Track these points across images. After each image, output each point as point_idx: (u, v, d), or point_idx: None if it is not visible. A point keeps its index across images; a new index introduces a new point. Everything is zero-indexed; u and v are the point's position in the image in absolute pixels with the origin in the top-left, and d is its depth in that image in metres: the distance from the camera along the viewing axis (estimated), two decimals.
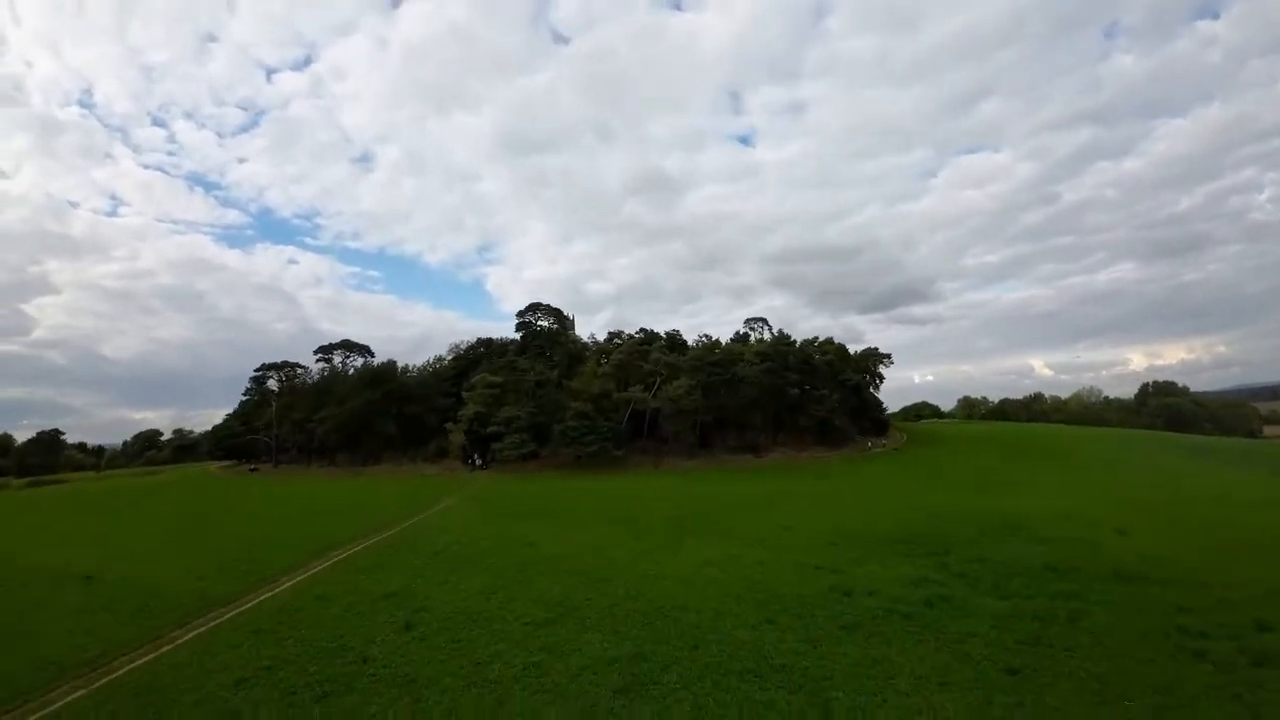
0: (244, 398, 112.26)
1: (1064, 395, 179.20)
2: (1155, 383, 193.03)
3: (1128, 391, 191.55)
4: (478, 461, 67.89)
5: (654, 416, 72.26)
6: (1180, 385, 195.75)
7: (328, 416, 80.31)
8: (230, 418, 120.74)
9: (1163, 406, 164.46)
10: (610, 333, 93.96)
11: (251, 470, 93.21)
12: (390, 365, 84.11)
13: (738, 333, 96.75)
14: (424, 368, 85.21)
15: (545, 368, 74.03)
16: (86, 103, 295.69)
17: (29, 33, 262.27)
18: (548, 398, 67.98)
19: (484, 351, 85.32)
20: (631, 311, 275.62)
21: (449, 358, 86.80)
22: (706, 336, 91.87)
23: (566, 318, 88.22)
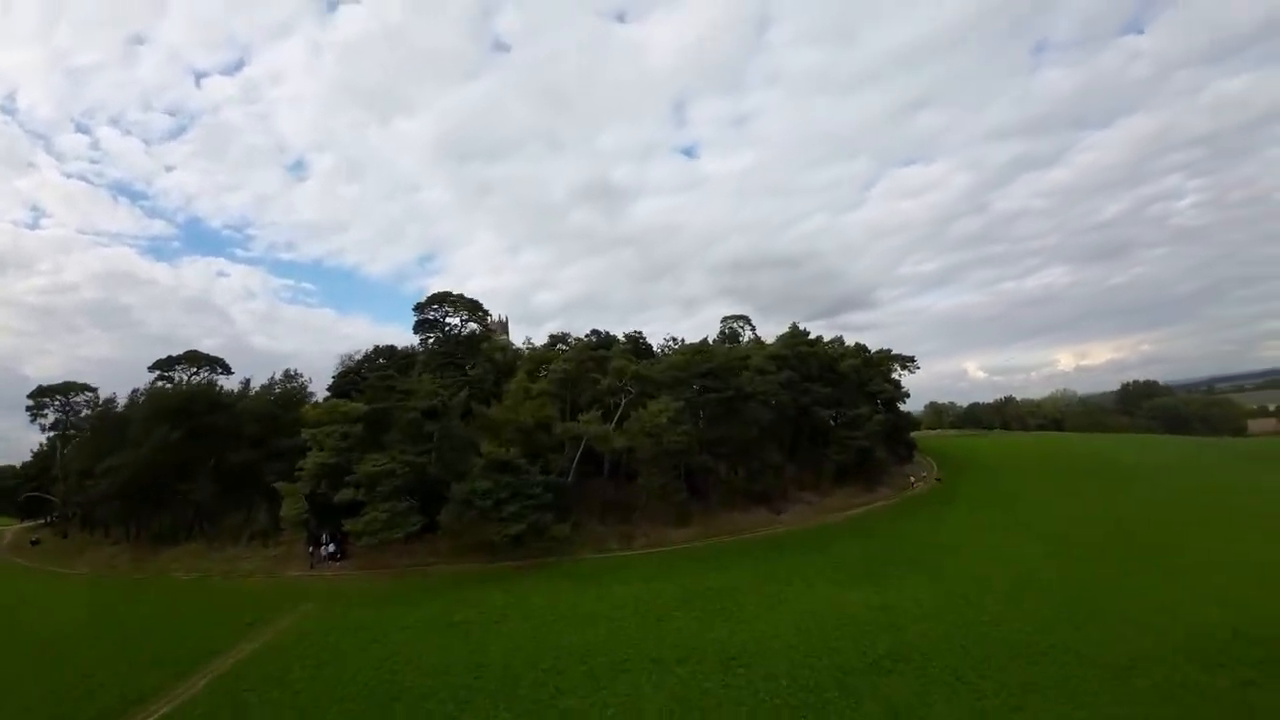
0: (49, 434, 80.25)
1: (996, 397, 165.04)
2: (1135, 382, 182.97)
3: (1043, 391, 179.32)
4: (329, 549, 40.84)
5: (618, 460, 47.13)
6: (1162, 384, 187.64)
7: (111, 469, 51.04)
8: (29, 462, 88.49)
9: (1157, 408, 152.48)
10: (552, 336, 68.04)
11: (33, 543, 66.50)
12: (208, 387, 54.93)
13: (721, 334, 72.56)
14: (270, 390, 55.96)
15: (451, 387, 47.35)
16: (8, 109, 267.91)
17: None
18: (450, 436, 41.62)
19: (383, 365, 57.76)
20: (580, 322, 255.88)
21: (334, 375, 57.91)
22: (677, 341, 67.05)
23: (490, 316, 61.58)
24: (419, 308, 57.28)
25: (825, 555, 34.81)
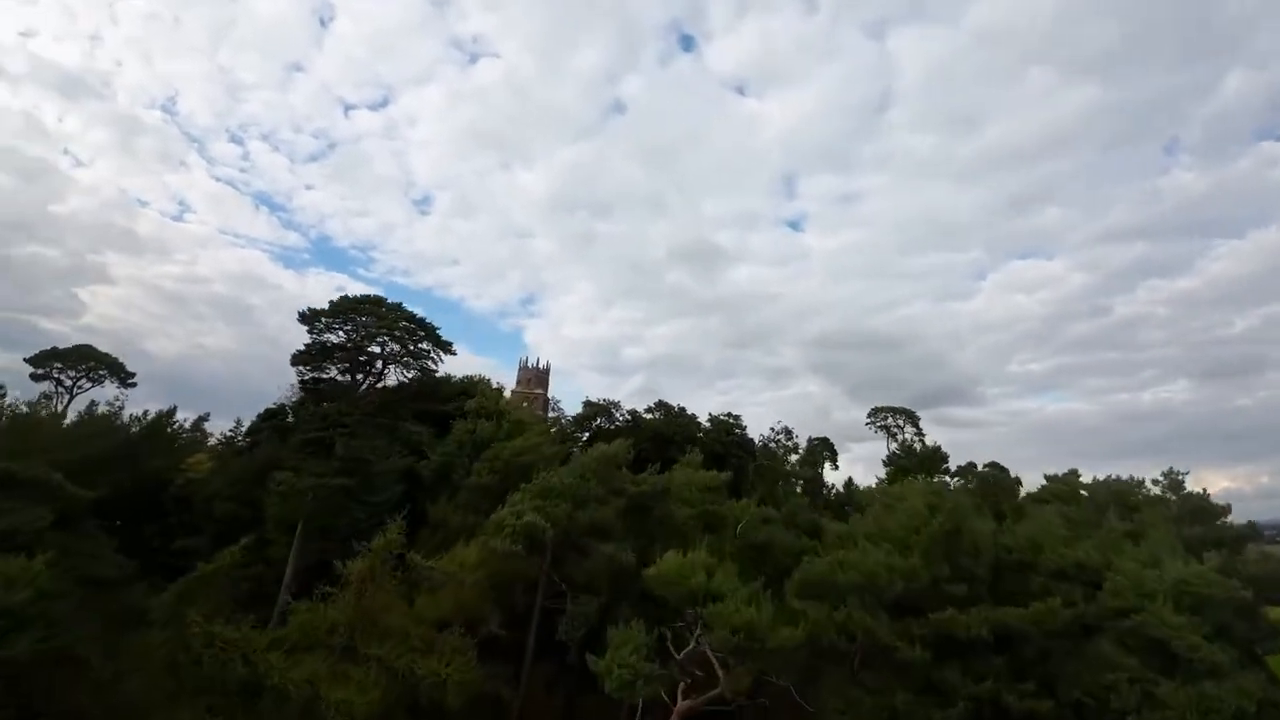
0: None
1: None
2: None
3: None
4: None
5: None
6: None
7: None
8: None
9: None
10: (592, 404, 59.65)
11: None
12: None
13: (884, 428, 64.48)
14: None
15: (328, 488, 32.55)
16: (170, 109, 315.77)
17: (123, 34, 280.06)
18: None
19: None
20: (665, 380, 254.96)
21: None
22: (789, 435, 61.62)
23: (437, 342, 42.48)
24: (311, 318, 37.59)
25: None
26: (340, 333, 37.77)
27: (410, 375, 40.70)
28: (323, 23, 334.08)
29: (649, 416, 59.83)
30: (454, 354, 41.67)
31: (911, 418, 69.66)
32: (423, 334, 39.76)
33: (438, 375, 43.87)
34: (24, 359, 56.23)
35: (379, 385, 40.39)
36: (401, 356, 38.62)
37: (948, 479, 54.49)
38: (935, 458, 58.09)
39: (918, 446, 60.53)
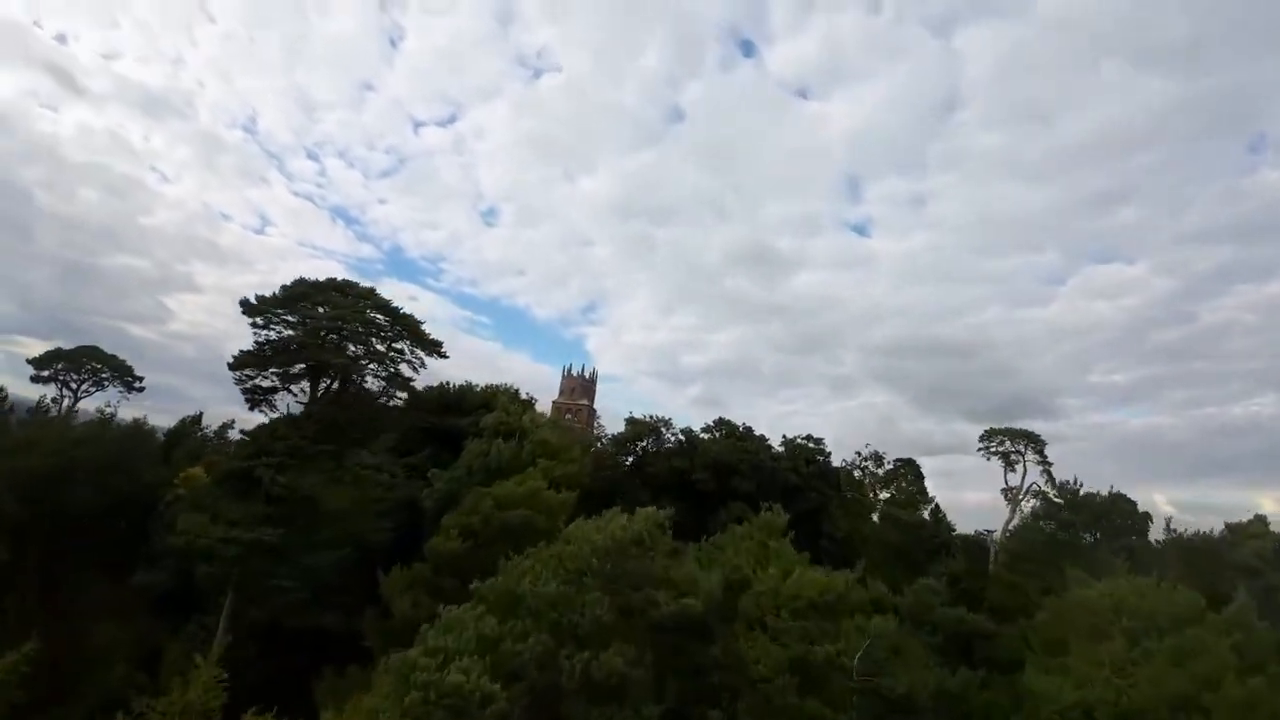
0: None
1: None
2: None
3: None
4: None
5: None
6: None
7: None
8: None
9: None
10: (635, 422, 48.10)
11: None
12: None
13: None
14: None
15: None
16: (250, 128, 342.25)
17: (203, 56, 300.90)
18: None
19: None
20: (724, 388, 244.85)
21: None
22: (880, 459, 48.51)
23: (420, 339, 34.16)
24: (257, 308, 29.27)
25: None
26: (293, 328, 28.04)
27: (383, 382, 30.16)
28: (392, 42, 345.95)
29: (706, 437, 48.27)
30: (444, 356, 31.46)
31: (1034, 441, 55.08)
32: (401, 329, 29.59)
33: (412, 381, 33.42)
34: (26, 359, 51.13)
35: (353, 394, 30.50)
36: (366, 358, 28.34)
37: None
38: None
39: (1080, 489, 45.56)
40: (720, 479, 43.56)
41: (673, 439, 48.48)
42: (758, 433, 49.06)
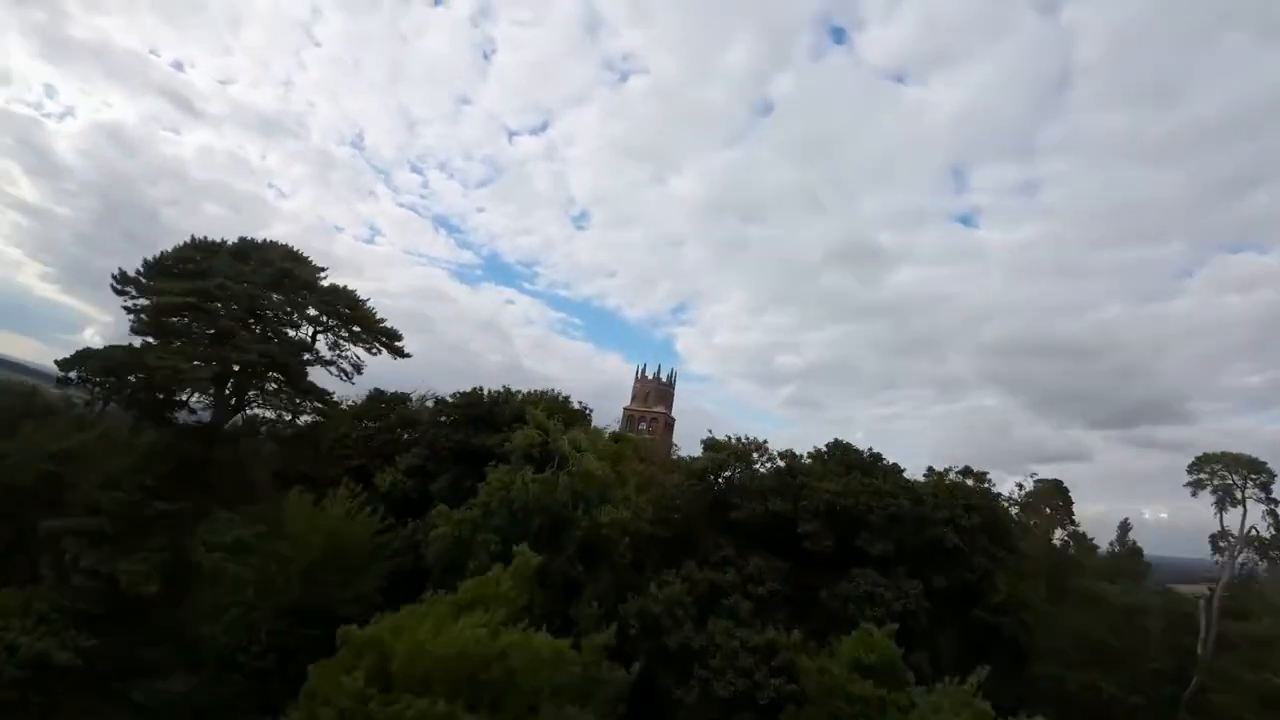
0: None
1: None
2: None
3: None
4: None
5: None
6: None
7: None
8: None
9: None
10: (712, 446, 34.29)
11: None
12: None
13: None
14: None
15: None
16: (357, 144, 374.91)
17: (312, 79, 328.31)
18: None
19: None
20: (819, 390, 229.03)
21: None
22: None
23: (372, 328, 23.75)
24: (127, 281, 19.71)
25: None
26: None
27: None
28: (485, 56, 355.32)
29: (810, 462, 34.71)
30: (406, 355, 20.39)
31: (1258, 472, 37.27)
32: (349, 313, 18.70)
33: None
34: (54, 360, 46.19)
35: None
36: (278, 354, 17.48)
37: None
38: None
39: None
40: (839, 532, 30.26)
41: (766, 469, 35.44)
42: (886, 459, 34.98)
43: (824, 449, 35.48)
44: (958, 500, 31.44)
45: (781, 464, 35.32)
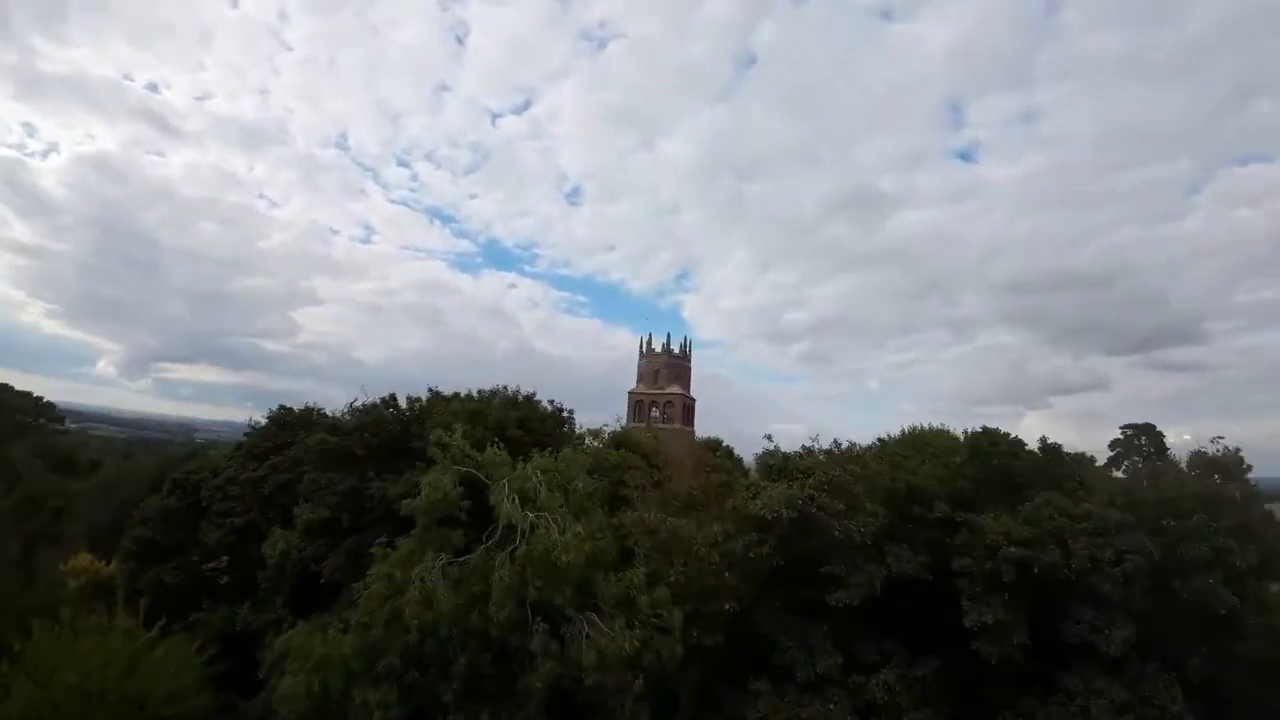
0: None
1: None
2: None
3: None
4: None
5: None
6: None
7: None
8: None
9: None
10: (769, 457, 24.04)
11: None
12: None
13: None
14: None
15: None
16: (341, 145, 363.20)
17: (287, 83, 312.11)
18: None
19: None
20: (832, 345, 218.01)
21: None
22: None
23: None
24: None
25: None
26: None
27: None
28: (459, 39, 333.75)
29: (928, 466, 21.59)
30: None
31: None
32: None
33: None
34: None
35: None
36: None
37: None
38: None
39: None
40: (1034, 613, 17.40)
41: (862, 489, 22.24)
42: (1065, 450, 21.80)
43: (967, 439, 22.03)
44: (1221, 519, 18.44)
45: (891, 478, 22.17)
